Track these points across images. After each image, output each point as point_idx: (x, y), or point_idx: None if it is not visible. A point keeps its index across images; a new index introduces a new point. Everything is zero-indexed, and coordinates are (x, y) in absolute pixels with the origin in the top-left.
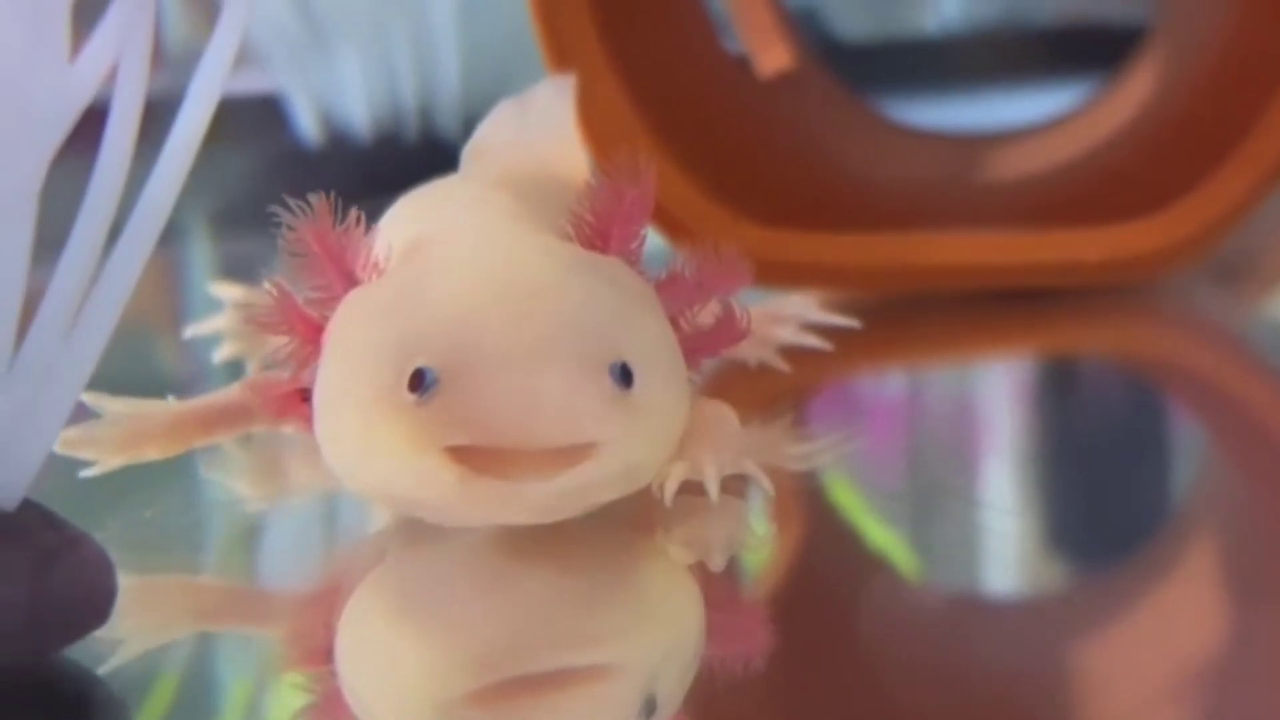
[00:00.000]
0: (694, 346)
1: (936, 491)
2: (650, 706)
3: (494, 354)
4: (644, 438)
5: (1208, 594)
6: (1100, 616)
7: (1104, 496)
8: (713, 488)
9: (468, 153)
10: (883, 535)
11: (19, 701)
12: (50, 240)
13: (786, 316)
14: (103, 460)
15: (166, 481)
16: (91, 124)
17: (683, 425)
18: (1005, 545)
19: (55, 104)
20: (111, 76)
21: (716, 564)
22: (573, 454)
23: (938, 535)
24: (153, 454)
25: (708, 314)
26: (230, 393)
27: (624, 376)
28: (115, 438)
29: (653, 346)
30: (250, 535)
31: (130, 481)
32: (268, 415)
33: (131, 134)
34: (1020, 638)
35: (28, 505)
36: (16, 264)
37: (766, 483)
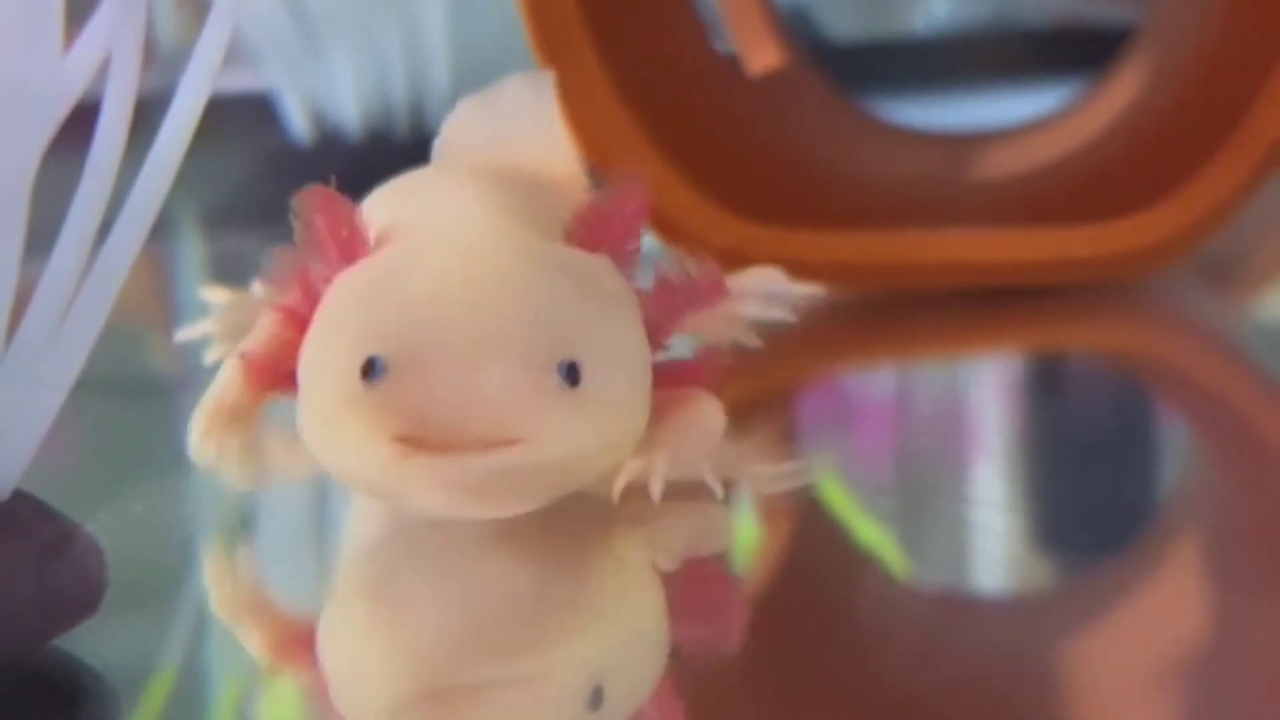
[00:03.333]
0: (662, 316)
1: (925, 488)
2: (598, 698)
3: (440, 346)
4: (587, 433)
5: (1194, 590)
6: (1087, 612)
7: (1091, 493)
8: (655, 489)
9: (438, 150)
10: (872, 532)
11: (9, 690)
12: (42, 235)
13: (749, 291)
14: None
15: (156, 474)
16: (83, 119)
17: (640, 424)
18: (993, 542)
19: (48, 97)
20: (103, 71)
21: (667, 564)
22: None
23: (926, 532)
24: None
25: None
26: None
27: (571, 374)
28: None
29: (610, 346)
30: (240, 529)
31: (120, 474)
32: (256, 389)
33: (123, 129)
34: (1008, 633)
35: (20, 496)
36: (8, 258)
37: (719, 489)
